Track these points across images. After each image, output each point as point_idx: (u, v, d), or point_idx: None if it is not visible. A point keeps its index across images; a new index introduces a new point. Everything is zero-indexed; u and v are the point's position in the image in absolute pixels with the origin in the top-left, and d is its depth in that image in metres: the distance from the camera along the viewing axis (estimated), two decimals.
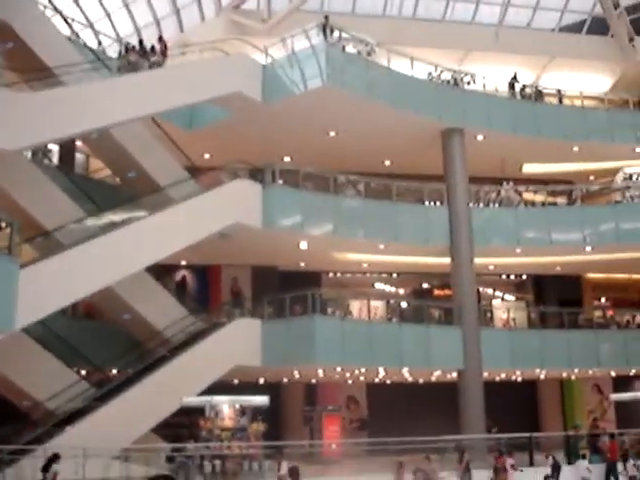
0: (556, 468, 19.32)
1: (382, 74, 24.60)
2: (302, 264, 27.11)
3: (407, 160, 27.80)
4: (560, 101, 29.61)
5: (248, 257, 26.22)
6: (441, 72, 26.88)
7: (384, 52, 24.95)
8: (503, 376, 28.54)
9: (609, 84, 32.42)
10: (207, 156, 26.09)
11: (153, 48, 22.54)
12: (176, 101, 20.96)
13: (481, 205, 27.10)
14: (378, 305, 26.42)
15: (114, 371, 22.13)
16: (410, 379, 28.00)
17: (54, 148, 24.45)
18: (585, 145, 28.13)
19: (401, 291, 31.46)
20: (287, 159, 25.87)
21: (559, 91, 29.57)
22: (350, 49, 24.40)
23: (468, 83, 27.42)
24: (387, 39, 25.74)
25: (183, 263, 26.96)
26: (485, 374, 24.89)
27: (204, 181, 23.29)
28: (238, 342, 21.91)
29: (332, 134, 25.26)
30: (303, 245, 24.09)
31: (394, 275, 30.85)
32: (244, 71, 22.75)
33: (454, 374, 25.05)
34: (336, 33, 23.74)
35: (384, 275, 30.83)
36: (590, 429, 27.34)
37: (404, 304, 27.55)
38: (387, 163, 28.29)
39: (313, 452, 24.82)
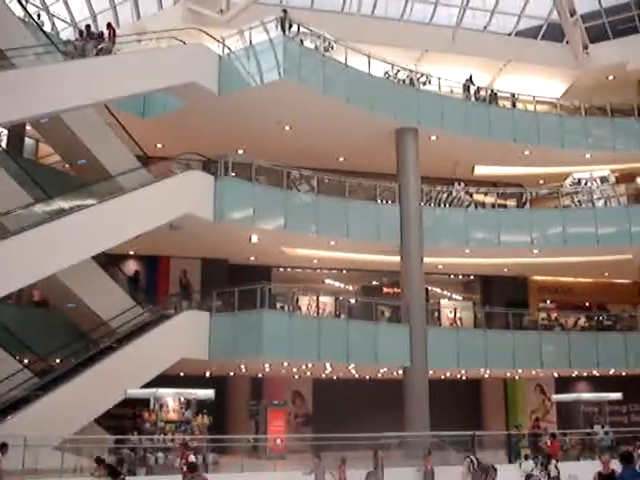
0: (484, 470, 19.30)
1: (339, 70, 24.62)
2: (252, 258, 27.07)
3: (361, 157, 27.92)
4: (514, 105, 29.99)
5: (198, 249, 26.06)
6: (398, 71, 27.01)
7: (342, 49, 24.97)
8: (448, 374, 28.86)
9: (562, 90, 32.95)
10: (160, 146, 25.82)
11: (102, 34, 22.20)
12: (129, 89, 20.69)
13: (432, 205, 27.32)
14: (327, 301, 26.50)
15: (58, 360, 21.77)
16: (356, 375, 28.15)
17: (2, 132, 23.96)
18: (536, 149, 28.58)
19: (350, 288, 31.56)
20: (241, 152, 25.72)
21: (513, 95, 29.96)
22: (308, 44, 24.38)
23: (424, 83, 27.63)
24: (345, 36, 25.75)
25: (132, 253, 26.66)
26: (430, 372, 25.13)
27: (156, 171, 23.07)
28: (185, 335, 21.77)
29: (287, 128, 25.19)
30: (254, 239, 24.04)
31: (344, 272, 30.93)
32: (200, 61, 22.57)
33: (400, 371, 25.25)
34: (294, 27, 23.73)
35: (334, 271, 30.89)
36: (532, 429, 27.79)
37: (353, 301, 27.62)
38: (341, 159, 28.35)
39: (258, 446, 24.90)
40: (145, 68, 21.09)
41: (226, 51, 23.33)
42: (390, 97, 25.96)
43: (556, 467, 19.53)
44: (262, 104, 23.45)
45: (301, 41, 23.93)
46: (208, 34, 24.07)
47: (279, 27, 23.01)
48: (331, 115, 24.58)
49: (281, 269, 29.78)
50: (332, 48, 24.86)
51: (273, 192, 24.05)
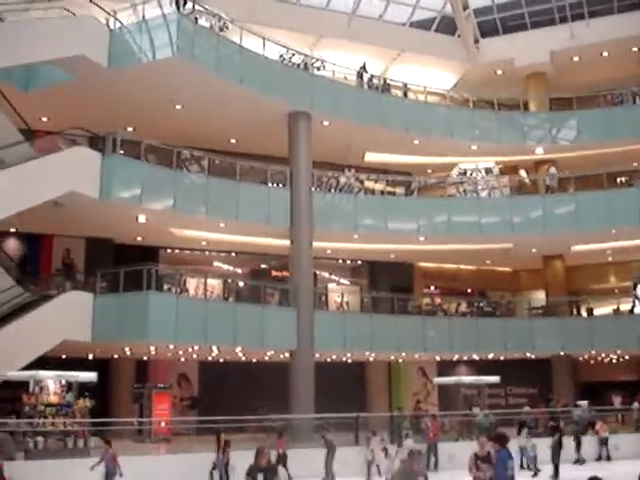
0: (331, 448, 19.63)
1: (233, 51, 24.39)
2: (139, 238, 26.47)
3: (253, 140, 27.80)
4: (405, 94, 30.57)
5: (83, 228, 25.24)
6: (292, 55, 27.02)
7: (237, 29, 24.74)
8: (334, 357, 29.25)
9: (453, 82, 33.79)
10: (45, 119, 24.81)
11: None
12: (13, 58, 19.77)
13: (323, 190, 27.52)
14: (215, 284, 26.28)
15: None
16: (243, 358, 28.14)
17: None
18: (425, 139, 29.26)
19: (239, 271, 31.45)
20: (130, 129, 25.09)
21: (405, 84, 30.51)
22: (203, 22, 24.01)
23: (318, 69, 27.81)
24: (241, 16, 25.51)
25: (13, 231, 25.59)
26: (317, 355, 25.43)
27: (40, 146, 22.11)
28: (67, 316, 21.05)
29: (178, 107, 24.72)
30: (141, 219, 23.52)
31: (233, 254, 30.77)
32: (90, 34, 21.73)
33: (287, 354, 25.41)
34: (189, 5, 23.26)
35: (223, 254, 30.69)
36: (414, 410, 28.55)
37: (241, 284, 27.54)
38: (233, 141, 28.13)
39: (142, 430, 24.52)
40: (31, 38, 20.14)
41: (118, 25, 22.62)
42: (284, 80, 25.92)
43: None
44: (153, 81, 22.92)
45: (196, 19, 23.52)
46: (99, 6, 23.24)
47: (174, 3, 22.51)
48: (224, 96, 24.31)
49: (169, 250, 29.25)
50: (227, 28, 24.61)
51: (162, 172, 23.57)
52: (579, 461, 22.50)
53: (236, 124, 26.58)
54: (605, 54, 32.27)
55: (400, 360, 32.28)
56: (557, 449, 20.31)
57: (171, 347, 24.05)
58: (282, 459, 17.44)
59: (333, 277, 33.46)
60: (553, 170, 30.79)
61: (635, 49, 31.80)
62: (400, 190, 29.84)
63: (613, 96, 31.65)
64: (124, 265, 22.35)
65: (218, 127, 26.58)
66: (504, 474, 10.04)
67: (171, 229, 25.79)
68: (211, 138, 27.07)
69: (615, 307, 31.11)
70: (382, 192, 29.02)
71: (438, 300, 32.43)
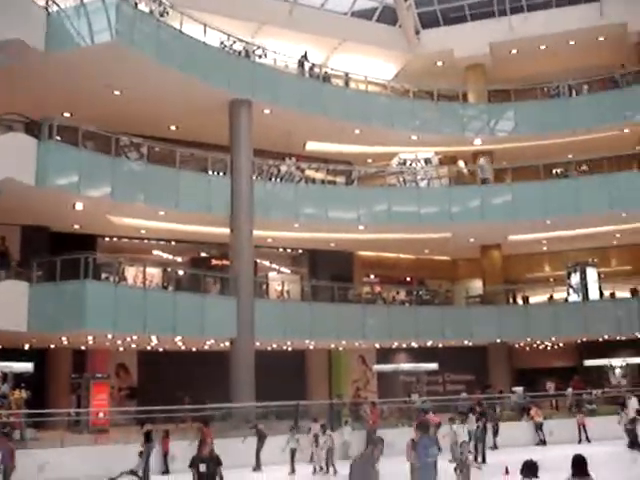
0: (261, 437, 19.83)
1: (174, 37, 24.13)
2: (77, 226, 26.02)
3: (194, 127, 27.55)
4: (346, 84, 30.69)
5: (18, 216, 24.63)
6: (234, 42, 26.83)
7: (177, 15, 24.47)
8: (275, 346, 29.30)
9: (393, 72, 34.00)
10: None
11: None
12: None
13: (263, 178, 27.47)
14: (155, 272, 26.01)
15: None
16: (183, 347, 27.96)
17: None
18: (366, 128, 29.44)
19: (179, 259, 31.19)
20: (68, 115, 24.59)
21: (347, 74, 30.62)
22: (143, 7, 23.67)
23: (259, 56, 27.67)
24: (181, 2, 25.17)
25: None
26: (257, 344, 25.43)
27: None
28: (2, 305, 20.57)
29: (117, 93, 24.34)
30: (79, 206, 23.08)
31: (173, 243, 30.49)
32: (26, 17, 21.21)
33: (227, 343, 25.34)
34: None
35: (163, 242, 30.38)
36: (353, 398, 28.83)
37: (181, 272, 27.33)
38: (173, 128, 27.85)
39: (80, 421, 24.18)
40: None
41: (55, 8, 22.11)
42: (225, 68, 25.78)
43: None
44: (92, 66, 22.45)
45: (135, 4, 23.18)
46: None
47: None
48: (163, 82, 24.03)
49: (107, 239, 28.78)
50: (167, 13, 24.30)
51: (100, 158, 23.20)
52: (495, 447, 22.83)
53: (176, 111, 26.31)
54: (543, 47, 32.91)
55: (340, 348, 32.52)
56: (482, 435, 20.78)
57: (109, 337, 23.73)
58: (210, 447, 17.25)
59: (274, 266, 33.46)
60: (482, 161, 31.42)
61: (572, 42, 32.45)
62: (341, 179, 29.96)
63: (550, 89, 32.29)
64: (61, 254, 21.94)
65: (158, 114, 26.26)
66: (425, 460, 10.25)
67: (109, 217, 25.42)
68: (151, 125, 26.74)
69: (550, 295, 31.85)
70: (323, 181, 29.10)
71: (378, 289, 32.72)
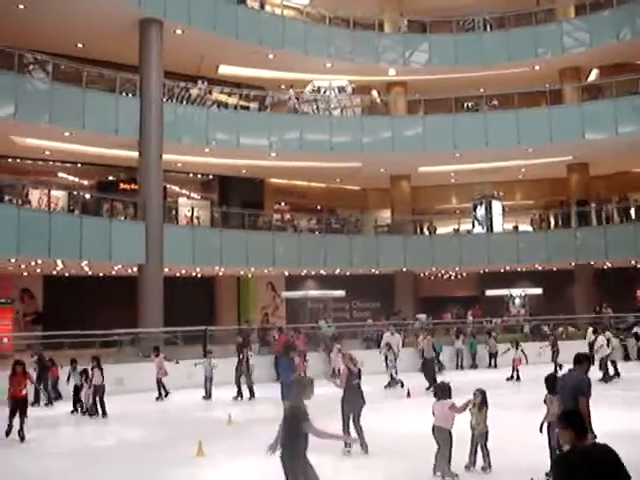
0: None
1: None
2: None
3: (102, 46, 26.49)
4: (262, 6, 29.95)
5: None
6: None
7: None
8: (184, 272, 29.17)
9: None
10: None
11: None
12: None
13: (174, 101, 26.85)
14: (60, 195, 25.27)
15: None
16: (90, 273, 27.52)
17: None
18: (280, 53, 28.93)
19: (86, 183, 30.37)
20: None
21: None
22: None
23: None
24: None
25: None
26: (166, 270, 25.26)
27: None
28: None
29: (21, 7, 23.17)
30: None
31: (79, 165, 29.65)
32: None
33: (135, 268, 25.08)
34: None
35: (68, 165, 29.50)
36: (261, 323, 29.12)
37: (88, 196, 26.65)
38: (80, 46, 26.74)
39: None
40: None
41: None
42: None
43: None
44: None
45: None
46: None
47: None
48: None
49: (10, 160, 27.77)
50: None
51: (3, 76, 22.12)
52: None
53: (84, 28, 25.21)
54: None
55: (249, 275, 32.65)
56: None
57: (12, 260, 23.08)
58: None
59: (183, 191, 33.03)
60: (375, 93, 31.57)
61: None
62: (254, 105, 29.55)
63: (465, 22, 32.34)
64: None
65: (64, 30, 25.14)
66: (289, 379, 11.44)
67: (12, 137, 24.48)
68: (57, 42, 25.65)
69: (456, 227, 32.66)
70: (235, 107, 28.65)
71: (288, 216, 32.80)
